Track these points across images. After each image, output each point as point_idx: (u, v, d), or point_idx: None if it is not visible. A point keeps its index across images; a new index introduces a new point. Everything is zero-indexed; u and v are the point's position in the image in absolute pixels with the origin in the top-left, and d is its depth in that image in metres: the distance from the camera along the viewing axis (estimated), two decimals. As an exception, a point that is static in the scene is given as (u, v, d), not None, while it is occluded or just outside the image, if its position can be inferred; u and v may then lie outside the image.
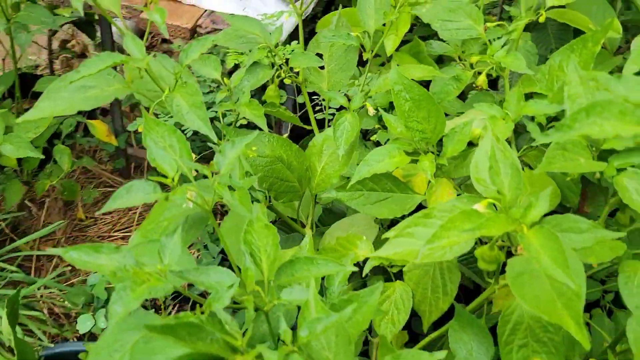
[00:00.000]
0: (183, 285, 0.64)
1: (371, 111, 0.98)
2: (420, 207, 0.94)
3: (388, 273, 0.94)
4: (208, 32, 1.44)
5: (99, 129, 1.83)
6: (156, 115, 1.14)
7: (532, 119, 0.95)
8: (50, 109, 0.77)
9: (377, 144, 1.25)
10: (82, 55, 2.33)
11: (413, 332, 0.98)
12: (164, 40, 3.33)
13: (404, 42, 1.44)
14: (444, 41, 1.22)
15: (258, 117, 0.85)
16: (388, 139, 1.14)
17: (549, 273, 0.54)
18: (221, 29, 1.44)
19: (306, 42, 1.37)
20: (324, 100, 1.21)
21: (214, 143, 0.80)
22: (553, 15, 1.00)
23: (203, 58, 0.92)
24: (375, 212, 0.95)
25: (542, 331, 0.71)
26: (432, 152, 0.91)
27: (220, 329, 0.51)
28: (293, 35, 1.52)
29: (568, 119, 0.49)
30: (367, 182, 0.94)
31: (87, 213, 2.14)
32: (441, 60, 1.40)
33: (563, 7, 1.02)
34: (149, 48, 3.08)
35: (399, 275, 0.92)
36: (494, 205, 0.68)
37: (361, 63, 1.10)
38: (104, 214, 2.17)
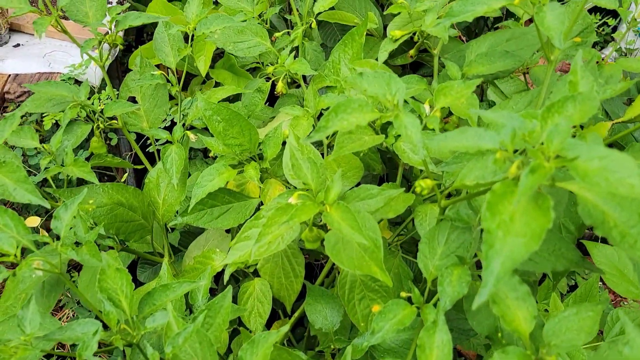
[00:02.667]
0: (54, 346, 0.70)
1: (193, 137, 1.07)
2: (259, 209, 1.07)
3: (247, 274, 1.06)
4: (18, 96, 1.43)
5: None
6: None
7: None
8: None
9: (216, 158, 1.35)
10: None
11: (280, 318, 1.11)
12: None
13: (217, 59, 1.54)
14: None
15: (87, 173, 0.91)
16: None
17: (350, 238, 0.68)
18: (28, 91, 1.44)
19: (123, 78, 1.42)
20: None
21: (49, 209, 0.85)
22: (325, 18, 1.16)
23: (16, 131, 0.96)
24: (221, 224, 1.05)
25: (372, 281, 0.86)
26: (255, 160, 1.03)
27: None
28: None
29: (322, 121, 0.63)
30: (207, 201, 1.04)
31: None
32: (255, 69, 1.53)
33: (332, 8, 1.18)
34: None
35: (257, 273, 1.04)
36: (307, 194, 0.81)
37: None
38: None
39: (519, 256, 0.42)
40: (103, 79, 1.56)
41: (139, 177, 1.56)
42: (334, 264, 1.00)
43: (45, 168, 0.93)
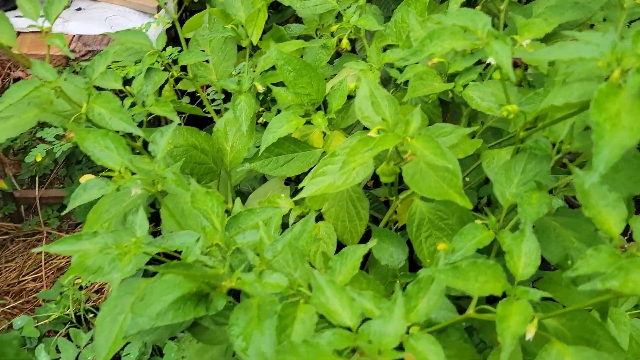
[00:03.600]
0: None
1: (260, 88, 1.12)
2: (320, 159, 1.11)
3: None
4: (82, 55, 1.49)
5: (-15, 176, 1.79)
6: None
7: (392, 66, 1.16)
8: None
9: (265, 125, 1.40)
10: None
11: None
12: (16, 80, 3.21)
13: (264, 32, 1.59)
14: (301, 22, 1.40)
15: (169, 112, 0.96)
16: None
17: (433, 163, 0.72)
18: (93, 50, 1.51)
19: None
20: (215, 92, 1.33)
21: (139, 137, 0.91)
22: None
23: (103, 73, 1.02)
24: (286, 172, 1.10)
25: (439, 220, 0.91)
26: (321, 110, 1.07)
27: (204, 265, 0.64)
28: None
29: (418, 44, 0.67)
30: (273, 149, 1.09)
31: (-13, 266, 2.08)
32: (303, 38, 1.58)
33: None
34: (3, 90, 2.97)
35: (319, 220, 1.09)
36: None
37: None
38: (6, 262, 2.12)
39: (625, 144, 0.46)
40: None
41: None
42: (395, 211, 1.05)
43: (129, 107, 0.98)
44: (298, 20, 1.62)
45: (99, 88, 0.97)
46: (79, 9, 1.64)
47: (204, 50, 1.17)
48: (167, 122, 1.60)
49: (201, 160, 1.06)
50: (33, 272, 2.08)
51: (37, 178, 2.32)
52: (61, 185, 2.31)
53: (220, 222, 0.78)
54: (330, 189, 0.88)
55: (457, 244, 0.71)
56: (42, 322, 1.67)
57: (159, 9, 1.67)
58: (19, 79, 3.39)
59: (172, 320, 0.64)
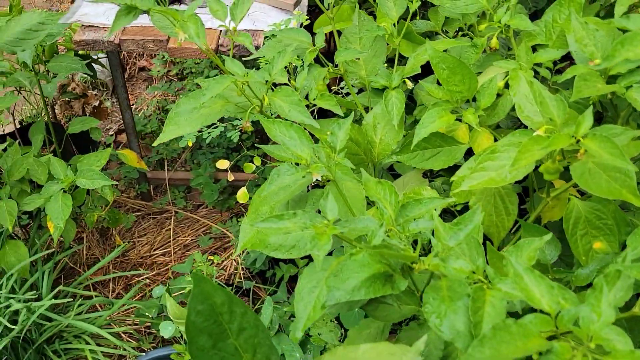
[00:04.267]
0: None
1: (410, 84, 1.18)
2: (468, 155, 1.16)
3: (453, 213, 1.15)
4: (228, 49, 1.61)
5: (130, 157, 1.97)
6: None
7: (540, 65, 1.17)
8: (175, 131, 0.94)
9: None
10: (84, 95, 2.45)
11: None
12: (141, 69, 3.46)
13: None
14: (428, 20, 1.44)
15: (334, 106, 1.04)
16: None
17: (611, 164, 0.75)
18: (239, 45, 1.62)
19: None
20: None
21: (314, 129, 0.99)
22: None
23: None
24: (432, 165, 1.15)
25: (597, 219, 0.93)
26: (471, 107, 1.11)
27: (397, 247, 0.70)
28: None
29: (611, 51, 0.70)
30: (420, 143, 1.14)
31: (122, 239, 2.28)
32: (426, 36, 1.62)
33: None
34: (130, 78, 3.21)
35: (462, 212, 1.13)
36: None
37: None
38: (139, 236, 2.32)
39: None
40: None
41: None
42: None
43: (295, 100, 1.07)
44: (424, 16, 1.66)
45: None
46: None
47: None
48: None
49: (355, 152, 1.13)
50: (162, 247, 2.26)
51: (165, 161, 2.51)
52: (186, 169, 2.49)
53: (394, 209, 0.84)
54: (490, 183, 0.92)
55: (632, 242, 0.73)
56: (177, 294, 1.82)
57: (295, 5, 1.76)
58: (143, 68, 3.61)
59: (364, 296, 0.71)
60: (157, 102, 2.90)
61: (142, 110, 2.94)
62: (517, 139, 0.94)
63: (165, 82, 3.09)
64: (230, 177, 1.39)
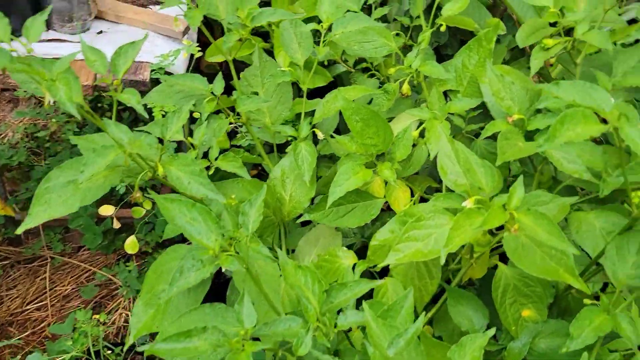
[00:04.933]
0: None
1: (320, 135, 1.08)
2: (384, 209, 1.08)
3: (372, 274, 1.07)
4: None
5: (-8, 204, 1.70)
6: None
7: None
8: (45, 213, 0.77)
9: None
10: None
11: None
12: (4, 89, 3.08)
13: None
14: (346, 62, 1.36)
15: (238, 168, 0.91)
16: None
17: (548, 243, 0.69)
18: (123, 79, 1.43)
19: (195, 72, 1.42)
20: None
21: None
22: (444, 21, 1.16)
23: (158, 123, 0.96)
24: (347, 223, 1.06)
25: (525, 287, 0.88)
26: (385, 160, 1.04)
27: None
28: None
29: (550, 132, 0.64)
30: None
31: (-13, 294, 1.98)
32: (324, 65, 1.52)
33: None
34: None
35: (383, 273, 1.05)
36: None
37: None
38: (8, 289, 2.02)
39: None
40: (188, 70, 1.55)
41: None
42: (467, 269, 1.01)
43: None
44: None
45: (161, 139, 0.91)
46: (100, 32, 1.56)
47: (256, 92, 1.12)
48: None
49: (264, 214, 1.01)
50: (37, 301, 1.98)
51: (37, 199, 2.22)
52: (64, 207, 2.22)
53: (318, 300, 0.73)
54: (418, 256, 0.84)
55: (577, 330, 0.68)
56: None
57: (184, 33, 1.60)
58: (7, 88, 3.24)
59: None
60: (25, 128, 2.57)
61: (7, 138, 2.60)
62: (441, 204, 0.87)
63: (35, 104, 2.76)
64: (117, 224, 1.21)
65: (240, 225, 0.75)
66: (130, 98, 0.80)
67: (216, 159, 0.95)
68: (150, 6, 1.73)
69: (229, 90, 1.15)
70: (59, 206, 0.77)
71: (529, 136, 0.95)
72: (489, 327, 0.93)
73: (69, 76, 0.74)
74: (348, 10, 1.06)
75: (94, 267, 2.07)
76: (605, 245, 0.74)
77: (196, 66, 1.72)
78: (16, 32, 1.42)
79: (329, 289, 0.77)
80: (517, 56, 1.25)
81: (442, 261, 0.73)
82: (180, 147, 1.55)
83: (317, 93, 1.29)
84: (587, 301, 0.73)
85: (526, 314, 0.88)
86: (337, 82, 1.41)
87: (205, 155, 0.99)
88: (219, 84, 1.03)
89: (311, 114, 1.13)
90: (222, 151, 1.05)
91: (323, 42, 1.06)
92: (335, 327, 0.71)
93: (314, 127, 1.09)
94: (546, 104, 0.82)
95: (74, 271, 2.07)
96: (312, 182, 1.05)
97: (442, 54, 1.48)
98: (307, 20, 1.69)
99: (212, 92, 1.02)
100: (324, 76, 1.33)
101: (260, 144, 1.13)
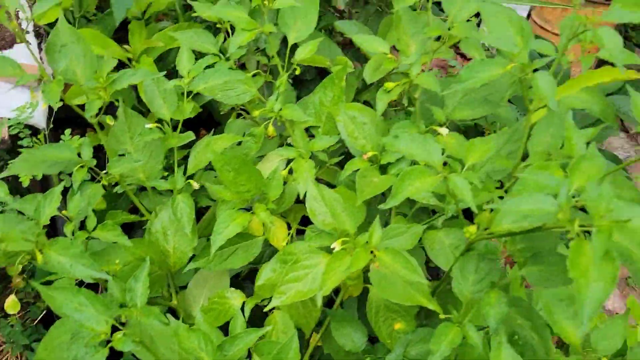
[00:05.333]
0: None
1: (196, 185, 1.13)
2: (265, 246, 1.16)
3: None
4: (-35, 147, 1.35)
5: None
6: None
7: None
8: None
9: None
10: None
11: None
12: None
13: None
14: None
15: (118, 237, 0.94)
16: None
17: (406, 278, 0.81)
18: (-22, 139, 1.37)
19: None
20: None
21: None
22: (300, 61, 1.25)
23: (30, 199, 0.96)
24: (232, 264, 1.13)
25: (393, 304, 1.01)
26: (261, 202, 1.11)
27: None
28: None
29: (394, 190, 0.75)
30: (215, 244, 1.11)
31: None
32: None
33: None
34: None
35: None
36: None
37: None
38: None
39: (602, 297, 0.58)
40: (49, 120, 1.51)
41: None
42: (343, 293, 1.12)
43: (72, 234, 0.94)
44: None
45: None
46: (-55, 88, 1.47)
47: (127, 151, 1.14)
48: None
49: (150, 271, 1.04)
50: None
51: None
52: None
53: (212, 358, 0.80)
54: (298, 296, 0.93)
55: (435, 345, 0.81)
56: None
57: (39, 81, 1.55)
58: None
59: None
60: None
61: None
62: (314, 244, 0.97)
63: None
64: (15, 308, 1.18)
65: (130, 303, 0.79)
66: (-2, 190, 0.80)
67: (94, 229, 0.97)
68: (2, 51, 1.65)
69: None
70: None
71: (384, 168, 1.08)
72: (368, 341, 1.06)
73: None
74: (208, 66, 1.11)
75: (-29, 327, 1.95)
76: (454, 262, 0.87)
77: (59, 112, 1.67)
78: None
79: (222, 343, 0.84)
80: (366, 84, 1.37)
81: (319, 304, 0.83)
82: (53, 221, 1.51)
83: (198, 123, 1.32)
84: (442, 316, 0.86)
85: (397, 327, 1.00)
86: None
87: (82, 224, 1.00)
88: (86, 150, 1.04)
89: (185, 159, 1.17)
90: (100, 213, 1.07)
91: (187, 97, 1.10)
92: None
93: (189, 178, 1.13)
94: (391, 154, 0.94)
95: (-51, 334, 1.94)
96: (192, 232, 1.10)
97: (302, 79, 1.57)
98: (167, 53, 1.72)
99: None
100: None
101: (137, 199, 1.16)
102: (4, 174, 1.06)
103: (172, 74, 1.22)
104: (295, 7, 1.19)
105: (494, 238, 0.84)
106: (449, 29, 1.02)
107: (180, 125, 1.14)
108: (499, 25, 0.90)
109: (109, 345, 0.74)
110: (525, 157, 0.96)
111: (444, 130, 1.05)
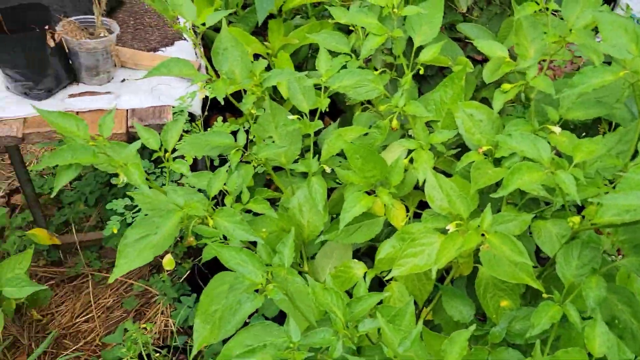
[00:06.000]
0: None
1: (327, 169, 1.31)
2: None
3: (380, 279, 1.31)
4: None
5: (41, 236, 1.93)
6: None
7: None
8: (127, 265, 1.00)
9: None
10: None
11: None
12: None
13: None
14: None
15: (267, 209, 1.14)
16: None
17: (512, 259, 0.93)
18: (149, 124, 1.65)
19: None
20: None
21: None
22: (424, 62, 1.38)
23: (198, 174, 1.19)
24: (355, 239, 1.30)
25: (502, 282, 1.12)
26: (384, 187, 1.27)
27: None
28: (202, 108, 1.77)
29: (504, 182, 0.87)
30: (342, 221, 1.28)
31: (39, 311, 2.22)
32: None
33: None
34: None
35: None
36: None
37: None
38: (57, 306, 2.27)
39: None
40: (204, 108, 1.76)
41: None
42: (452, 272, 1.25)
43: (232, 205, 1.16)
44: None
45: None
46: (123, 80, 1.77)
47: (271, 138, 1.35)
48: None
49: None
50: (84, 314, 2.23)
51: (72, 223, 2.45)
52: (97, 228, 2.45)
53: (343, 313, 0.97)
54: (415, 269, 1.08)
55: (536, 319, 0.92)
56: (114, 366, 1.84)
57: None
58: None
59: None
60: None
61: (32, 164, 2.82)
62: (430, 225, 1.11)
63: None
64: (171, 265, 1.44)
65: (279, 264, 0.98)
66: (181, 167, 1.02)
67: (247, 202, 1.18)
68: (161, 49, 1.94)
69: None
70: (136, 258, 1.01)
71: (498, 161, 1.19)
72: (475, 316, 1.18)
73: (137, 160, 0.96)
74: (343, 67, 1.28)
75: (129, 280, 2.31)
76: (558, 249, 0.98)
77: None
78: (53, 91, 1.65)
79: (350, 303, 1.01)
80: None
81: (433, 276, 0.97)
82: (195, 165, 1.77)
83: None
84: (545, 295, 0.97)
85: (504, 304, 1.12)
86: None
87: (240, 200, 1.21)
88: (242, 137, 1.25)
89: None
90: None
91: (324, 93, 1.28)
92: (357, 332, 0.96)
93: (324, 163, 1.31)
94: (504, 149, 1.05)
95: (113, 284, 2.32)
96: (324, 209, 1.28)
97: (424, 75, 1.70)
98: (299, 49, 1.91)
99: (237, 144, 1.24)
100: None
101: (279, 179, 1.36)
102: (176, 154, 1.31)
103: (301, 66, 1.38)
104: (421, 13, 1.32)
105: (597, 229, 0.93)
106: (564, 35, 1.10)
107: (317, 116, 1.32)
108: (614, 34, 0.98)
109: (263, 293, 0.93)
110: (635, 156, 1.03)
111: (556, 129, 1.14)
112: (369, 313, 1.01)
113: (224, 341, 1.10)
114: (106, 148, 0.98)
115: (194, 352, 1.15)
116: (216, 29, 2.36)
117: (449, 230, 1.02)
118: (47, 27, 1.58)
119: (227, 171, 1.16)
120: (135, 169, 0.95)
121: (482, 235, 0.97)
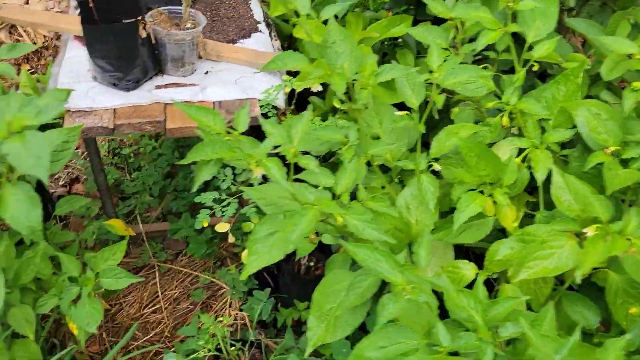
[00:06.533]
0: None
1: (438, 167, 1.28)
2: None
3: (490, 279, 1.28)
4: (228, 122, 1.62)
5: (117, 226, 1.93)
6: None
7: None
8: (257, 262, 0.98)
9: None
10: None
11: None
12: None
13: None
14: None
15: (388, 208, 1.12)
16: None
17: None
18: (237, 116, 1.63)
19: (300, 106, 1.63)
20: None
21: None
22: (538, 58, 1.34)
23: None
24: (464, 239, 1.27)
25: (631, 288, 1.09)
26: (495, 186, 1.23)
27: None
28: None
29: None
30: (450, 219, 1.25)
31: (107, 301, 2.23)
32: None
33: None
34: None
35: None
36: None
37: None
38: (124, 296, 2.28)
39: None
40: (290, 101, 1.74)
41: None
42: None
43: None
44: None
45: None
46: (207, 72, 1.76)
47: (376, 134, 1.32)
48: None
49: (396, 237, 1.22)
50: (151, 304, 2.23)
51: (137, 213, 2.46)
52: (162, 219, 2.46)
53: (482, 317, 0.95)
54: (545, 272, 1.05)
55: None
56: (190, 358, 1.84)
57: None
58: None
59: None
60: (110, 146, 2.80)
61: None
62: (558, 227, 1.07)
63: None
64: (232, 238, 1.44)
65: (414, 266, 0.96)
66: (309, 162, 1.00)
67: (366, 200, 1.16)
68: (240, 40, 1.92)
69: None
70: (265, 255, 0.99)
71: (625, 162, 1.15)
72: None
73: (276, 159, 0.94)
74: (461, 63, 1.24)
75: (195, 272, 2.31)
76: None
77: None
78: (140, 82, 1.64)
79: (486, 307, 0.98)
80: (595, 79, 1.42)
81: (578, 281, 0.94)
82: None
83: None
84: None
85: (633, 311, 1.08)
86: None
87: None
88: (353, 133, 1.22)
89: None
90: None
91: (437, 89, 1.25)
92: (498, 337, 0.93)
93: (432, 160, 1.28)
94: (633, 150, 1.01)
95: (178, 276, 2.32)
96: (436, 209, 1.25)
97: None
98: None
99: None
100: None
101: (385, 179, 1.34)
102: (279, 149, 1.29)
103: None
104: (535, 7, 1.27)
105: None
106: None
107: (426, 114, 1.28)
108: None
109: (404, 295, 0.91)
110: None
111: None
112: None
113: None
114: (240, 142, 0.96)
115: (309, 350, 1.13)
116: (285, 20, 2.34)
117: (587, 234, 0.99)
118: (139, 17, 1.57)
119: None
120: (274, 164, 0.93)
121: (627, 239, 0.94)
